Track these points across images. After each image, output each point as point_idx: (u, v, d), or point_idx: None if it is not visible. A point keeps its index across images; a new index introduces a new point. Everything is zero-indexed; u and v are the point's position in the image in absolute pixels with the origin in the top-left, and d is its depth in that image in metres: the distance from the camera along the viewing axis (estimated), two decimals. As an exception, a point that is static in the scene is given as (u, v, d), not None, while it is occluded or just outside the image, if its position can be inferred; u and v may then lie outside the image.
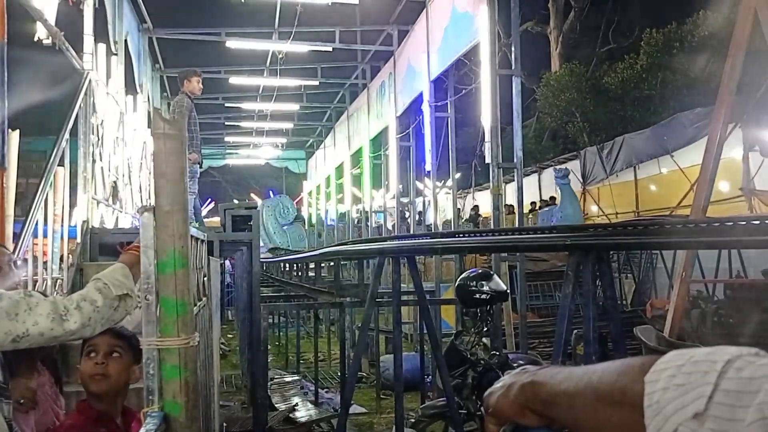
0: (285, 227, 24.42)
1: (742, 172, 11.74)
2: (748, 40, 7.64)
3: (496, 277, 5.03)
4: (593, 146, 18.75)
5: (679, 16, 19.02)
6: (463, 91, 12.54)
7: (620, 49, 23.02)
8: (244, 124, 24.85)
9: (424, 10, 12.85)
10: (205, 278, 4.24)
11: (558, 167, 17.12)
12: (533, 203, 19.46)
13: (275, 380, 8.84)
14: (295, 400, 7.79)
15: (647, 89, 20.04)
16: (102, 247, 6.40)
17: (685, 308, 7.88)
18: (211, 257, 4.98)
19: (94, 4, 7.98)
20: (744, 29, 7.53)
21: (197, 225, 6.76)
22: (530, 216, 17.79)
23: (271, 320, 13.21)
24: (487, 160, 8.71)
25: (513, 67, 9.02)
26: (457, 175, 14.63)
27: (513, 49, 9.17)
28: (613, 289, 3.75)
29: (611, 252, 12.52)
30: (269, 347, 10.49)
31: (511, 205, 14.68)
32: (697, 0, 19.16)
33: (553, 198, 18.05)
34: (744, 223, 3.27)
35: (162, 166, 2.30)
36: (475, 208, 21.73)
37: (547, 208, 16.98)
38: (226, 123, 24.65)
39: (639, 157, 16.54)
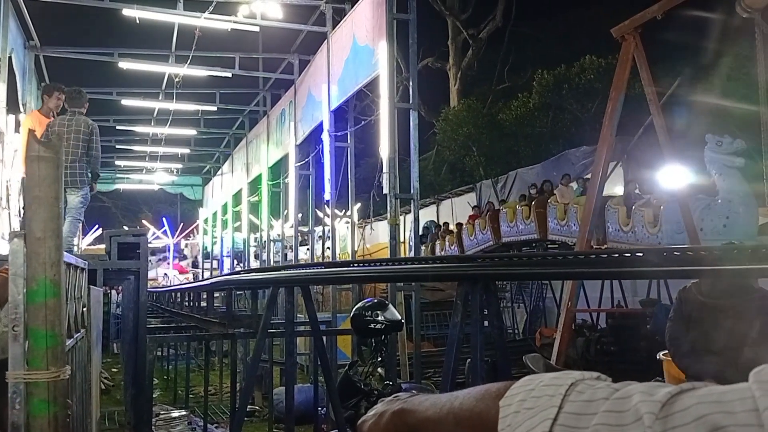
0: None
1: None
2: (627, 85, 8.22)
3: (391, 306, 5.03)
4: (488, 179, 19.42)
5: (568, 59, 20.18)
6: (363, 122, 12.69)
7: (515, 87, 24.11)
8: (136, 147, 23.98)
9: (326, 41, 12.96)
10: (85, 309, 4.02)
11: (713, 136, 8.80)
12: (446, 223, 18.84)
13: (161, 416, 8.45)
14: (183, 436, 7.47)
15: (539, 126, 21.07)
16: (-28, 274, 5.93)
17: (570, 336, 8.23)
18: (92, 287, 4.73)
19: (-26, 18, 7.51)
20: (623, 75, 8.10)
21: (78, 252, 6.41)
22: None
23: (159, 353, 12.66)
24: (385, 190, 8.83)
25: (411, 101, 9.24)
26: (357, 205, 14.72)
27: (411, 83, 9.39)
28: (500, 319, 3.85)
29: (504, 282, 12.99)
30: (157, 381, 10.05)
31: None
32: (583, 45, 20.46)
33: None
34: (617, 255, 3.48)
35: (35, 191, 2.19)
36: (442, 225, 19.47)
37: (704, 197, 9.09)
38: (117, 146, 23.69)
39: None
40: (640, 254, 3.68)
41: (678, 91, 13.63)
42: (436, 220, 21.29)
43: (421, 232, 19.34)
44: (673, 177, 8.70)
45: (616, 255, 3.65)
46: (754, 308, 3.86)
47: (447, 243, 17.51)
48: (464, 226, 16.93)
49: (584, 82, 19.20)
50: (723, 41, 12.85)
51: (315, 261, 14.71)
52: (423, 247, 18.00)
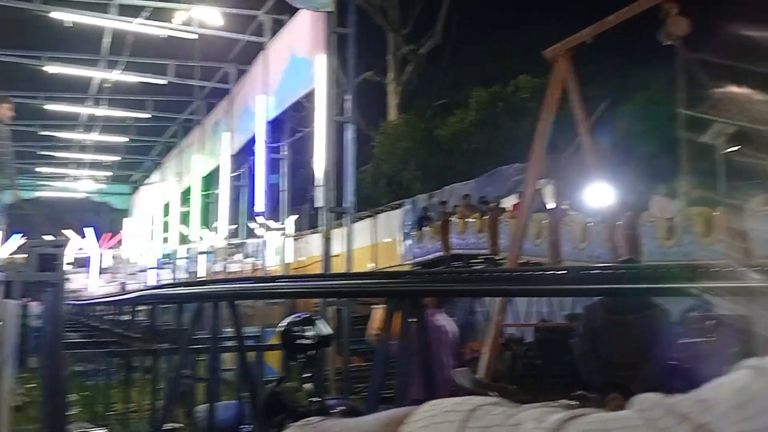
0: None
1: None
2: (558, 106, 8.45)
3: (321, 321, 4.99)
4: (425, 193, 19.59)
5: (505, 77, 20.62)
6: (299, 134, 12.63)
7: (453, 103, 24.47)
8: (61, 154, 23.09)
9: (263, 52, 12.85)
10: (-5, 323, 3.82)
11: None
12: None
13: (78, 434, 8.08)
14: (100, 455, 7.17)
15: (475, 143, 21.43)
16: None
17: (498, 351, 8.33)
18: (7, 300, 4.51)
19: None
20: (554, 95, 8.33)
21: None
22: None
23: (79, 368, 12.15)
24: (319, 203, 8.79)
25: (347, 115, 9.24)
26: (295, 217, 14.55)
27: (348, 98, 9.40)
28: (427, 334, 3.85)
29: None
30: (76, 397, 9.63)
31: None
32: (520, 64, 20.98)
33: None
34: (541, 273, 3.54)
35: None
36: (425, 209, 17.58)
37: None
38: (40, 152, 22.71)
39: (465, 206, 17.45)
40: (564, 272, 3.77)
41: (606, 113, 14.12)
42: (371, 234, 21.17)
43: (420, 214, 17.47)
44: (600, 195, 8.98)
45: (540, 272, 3.72)
46: (653, 322, 4.10)
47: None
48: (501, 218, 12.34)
49: (519, 100, 19.68)
50: (648, 65, 13.40)
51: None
52: (429, 228, 15.69)
